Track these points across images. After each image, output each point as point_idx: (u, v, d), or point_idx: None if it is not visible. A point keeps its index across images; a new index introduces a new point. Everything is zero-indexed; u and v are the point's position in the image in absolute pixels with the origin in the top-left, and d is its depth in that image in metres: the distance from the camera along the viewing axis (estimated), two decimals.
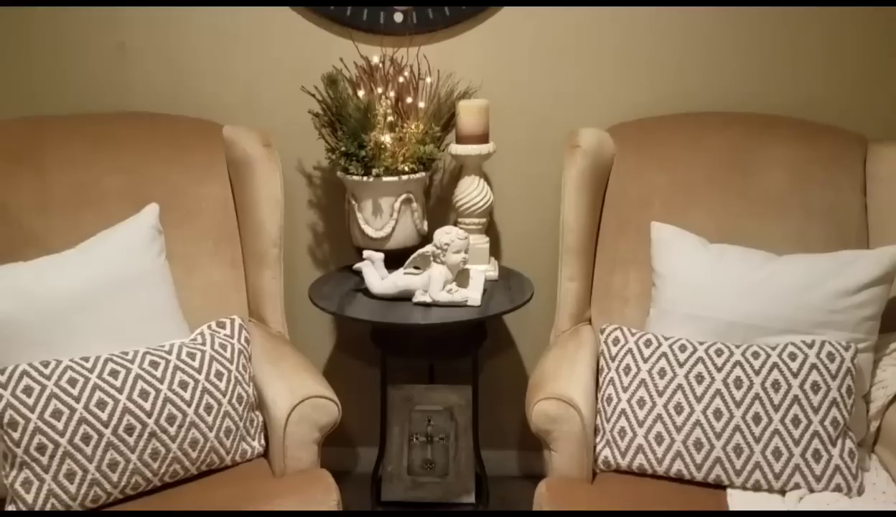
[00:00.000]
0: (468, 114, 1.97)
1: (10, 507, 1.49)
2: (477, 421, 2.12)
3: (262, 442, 1.76)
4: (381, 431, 2.14)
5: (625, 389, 1.72)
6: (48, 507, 1.49)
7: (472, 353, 2.07)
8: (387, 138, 1.92)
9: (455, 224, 2.03)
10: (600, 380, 1.79)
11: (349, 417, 2.27)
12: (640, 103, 2.15)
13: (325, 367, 2.41)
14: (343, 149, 1.93)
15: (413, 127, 1.97)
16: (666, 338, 1.73)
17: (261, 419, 1.77)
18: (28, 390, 1.50)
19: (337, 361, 2.41)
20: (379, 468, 2.14)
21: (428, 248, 1.91)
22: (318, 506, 1.56)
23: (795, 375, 1.63)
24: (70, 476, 1.50)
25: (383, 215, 2.00)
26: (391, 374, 2.14)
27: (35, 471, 1.49)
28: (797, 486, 1.60)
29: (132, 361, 1.61)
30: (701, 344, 1.70)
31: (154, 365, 1.62)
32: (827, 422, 1.61)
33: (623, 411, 1.70)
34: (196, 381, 1.64)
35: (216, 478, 1.67)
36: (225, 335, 1.77)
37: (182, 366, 1.64)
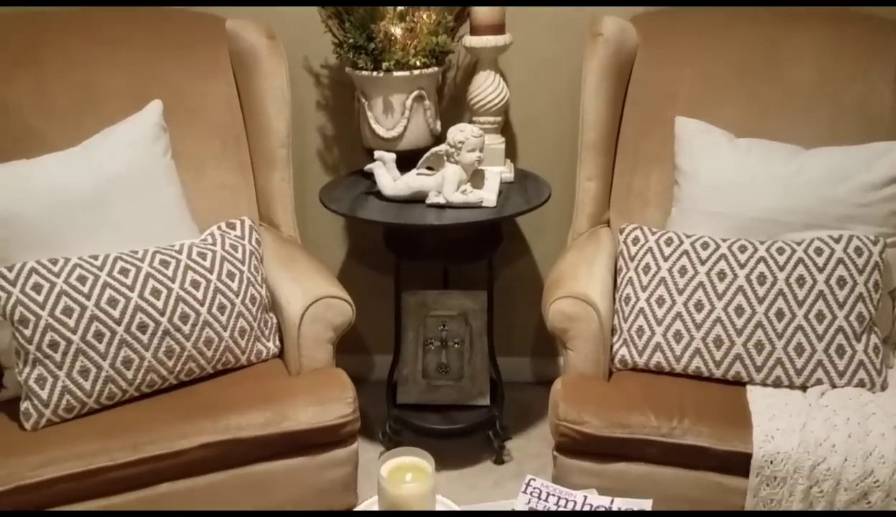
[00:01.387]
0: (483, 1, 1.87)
1: (25, 404, 1.49)
2: (492, 325, 2.10)
3: (277, 343, 1.75)
4: (396, 337, 2.13)
5: (644, 288, 1.68)
6: (63, 404, 1.49)
7: (487, 257, 2.04)
8: (397, 29, 1.83)
9: (470, 123, 1.96)
10: (618, 280, 1.76)
11: (364, 324, 2.26)
12: None
13: (338, 275, 2.38)
14: (351, 41, 1.85)
15: (424, 17, 1.88)
16: (688, 237, 1.69)
17: (275, 321, 1.76)
18: (37, 287, 1.48)
19: (350, 269, 2.39)
20: (394, 372, 2.15)
21: (442, 147, 1.85)
22: (335, 403, 1.56)
23: (821, 270, 1.58)
24: (84, 373, 1.50)
25: (394, 114, 1.93)
26: (405, 282, 2.11)
27: (49, 367, 1.48)
28: (819, 382, 1.58)
29: (142, 260, 1.58)
30: (724, 241, 1.66)
31: (164, 264, 1.59)
32: (852, 318, 1.57)
33: (641, 310, 1.67)
34: (208, 281, 1.62)
35: (232, 376, 1.67)
36: (235, 236, 1.74)
37: (193, 265, 1.62)
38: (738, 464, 1.46)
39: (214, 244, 1.69)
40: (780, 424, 1.47)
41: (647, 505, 1.29)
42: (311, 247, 2.06)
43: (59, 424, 1.50)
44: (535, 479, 1.35)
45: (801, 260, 1.59)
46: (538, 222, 2.25)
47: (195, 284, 1.60)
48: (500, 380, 2.12)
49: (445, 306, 2.13)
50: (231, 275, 1.66)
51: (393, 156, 1.90)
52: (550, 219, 2.21)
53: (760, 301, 1.59)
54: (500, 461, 2.10)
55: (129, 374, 1.53)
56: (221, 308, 1.62)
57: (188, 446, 1.46)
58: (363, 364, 2.46)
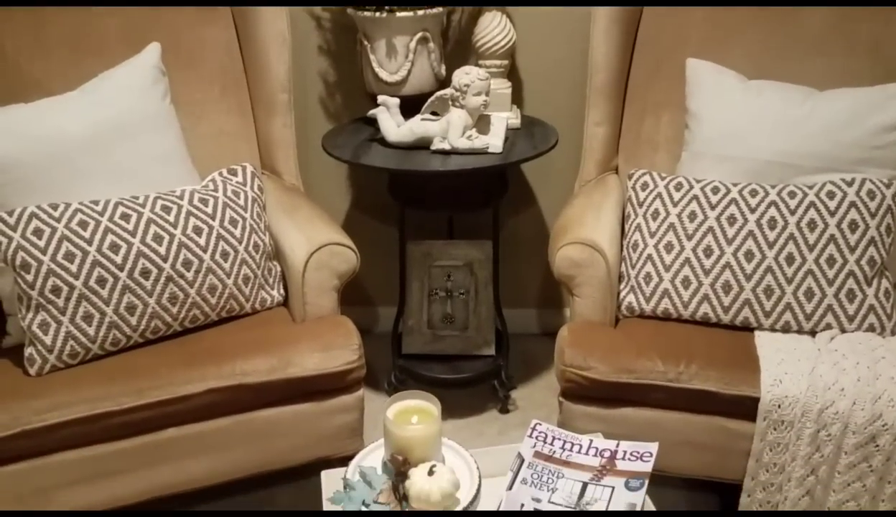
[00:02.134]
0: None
1: (29, 350, 1.48)
2: (497, 275, 2.08)
3: (282, 291, 1.74)
4: (401, 287, 2.11)
5: (652, 234, 1.66)
6: (67, 349, 1.48)
7: (493, 205, 2.01)
8: None
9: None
10: (626, 227, 1.73)
11: (368, 276, 2.25)
12: None
13: (342, 226, 2.32)
14: None
15: None
16: (698, 181, 1.66)
17: (279, 269, 1.74)
18: (38, 232, 1.46)
19: (354, 219, 2.36)
20: (399, 323, 2.14)
21: (447, 91, 1.82)
22: (340, 349, 1.55)
23: (833, 214, 1.55)
24: (87, 318, 1.49)
25: (398, 57, 1.89)
26: (410, 232, 2.09)
27: (51, 313, 1.47)
28: (828, 327, 1.56)
29: (143, 205, 1.56)
30: (735, 185, 1.63)
31: (166, 209, 1.57)
32: (863, 262, 1.55)
33: (649, 256, 1.65)
34: (210, 228, 1.60)
35: (237, 323, 1.66)
36: (237, 182, 1.71)
37: (195, 211, 1.60)
38: (746, 408, 1.45)
39: (216, 190, 1.66)
40: (788, 369, 1.46)
41: (653, 448, 1.28)
42: (313, 196, 2.03)
43: (63, 370, 1.50)
44: (540, 424, 1.35)
45: (812, 203, 1.57)
46: (545, 170, 2.22)
47: (197, 231, 1.58)
48: (505, 329, 2.11)
49: (450, 256, 2.11)
50: (234, 222, 1.64)
51: (396, 101, 1.86)
52: (557, 166, 2.18)
53: (771, 245, 1.57)
54: (505, 410, 2.10)
55: (133, 321, 1.53)
56: (224, 255, 1.61)
57: (194, 391, 1.46)
58: (368, 316, 2.45)
